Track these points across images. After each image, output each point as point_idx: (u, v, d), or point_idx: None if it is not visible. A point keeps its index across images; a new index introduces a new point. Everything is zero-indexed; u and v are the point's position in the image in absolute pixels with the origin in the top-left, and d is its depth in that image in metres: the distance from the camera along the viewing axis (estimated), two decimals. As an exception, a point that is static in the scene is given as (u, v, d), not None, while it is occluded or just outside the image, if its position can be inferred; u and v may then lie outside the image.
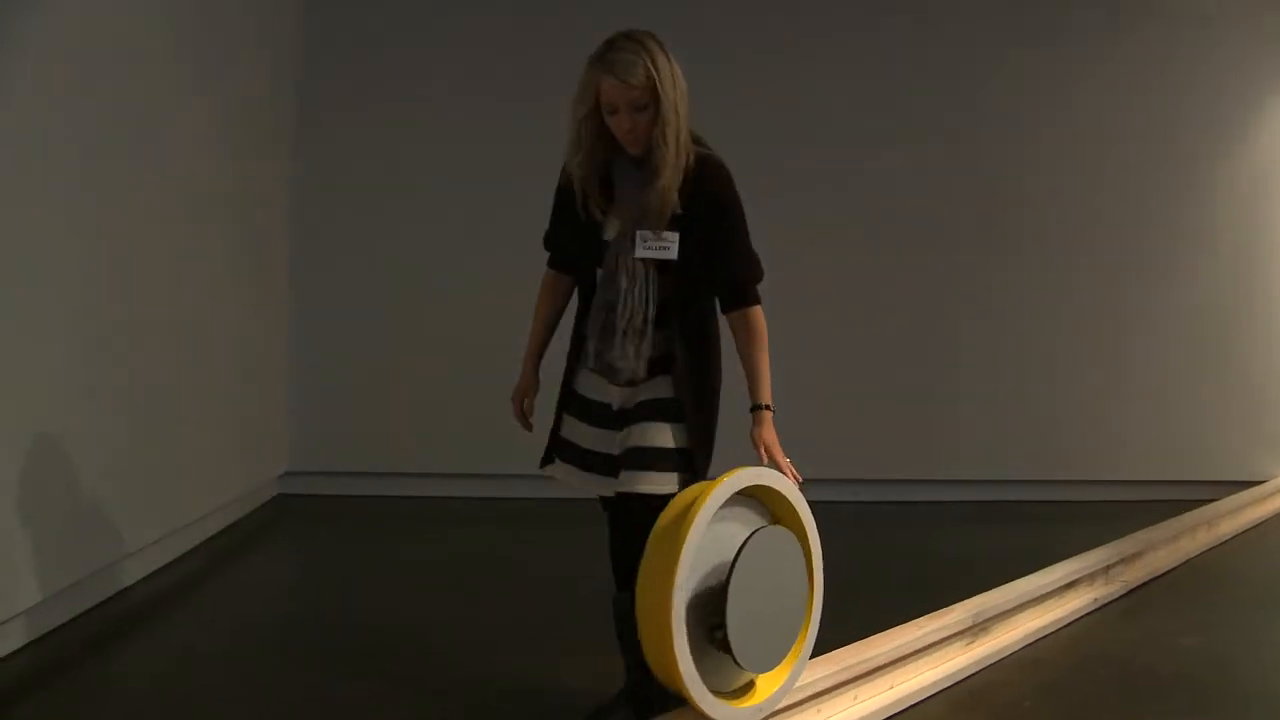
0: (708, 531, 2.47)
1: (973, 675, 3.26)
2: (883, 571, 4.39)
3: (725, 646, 2.46)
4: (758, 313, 2.70)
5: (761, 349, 2.70)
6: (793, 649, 2.65)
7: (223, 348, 4.65)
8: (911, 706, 3.02)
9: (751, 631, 2.50)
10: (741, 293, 2.70)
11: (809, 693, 2.78)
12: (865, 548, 4.72)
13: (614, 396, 2.71)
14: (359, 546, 4.76)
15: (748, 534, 2.52)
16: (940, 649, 3.22)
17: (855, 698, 2.93)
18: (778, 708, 2.67)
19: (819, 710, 2.83)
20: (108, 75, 3.60)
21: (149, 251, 3.95)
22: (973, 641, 3.35)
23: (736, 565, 2.46)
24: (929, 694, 3.09)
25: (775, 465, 2.64)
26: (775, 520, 2.66)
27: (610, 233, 2.65)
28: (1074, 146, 5.63)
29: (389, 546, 4.74)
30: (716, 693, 2.53)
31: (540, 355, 2.88)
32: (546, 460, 2.82)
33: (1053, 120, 5.61)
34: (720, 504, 2.49)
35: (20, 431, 3.22)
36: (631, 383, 2.66)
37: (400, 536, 4.91)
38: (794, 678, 2.68)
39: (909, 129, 5.49)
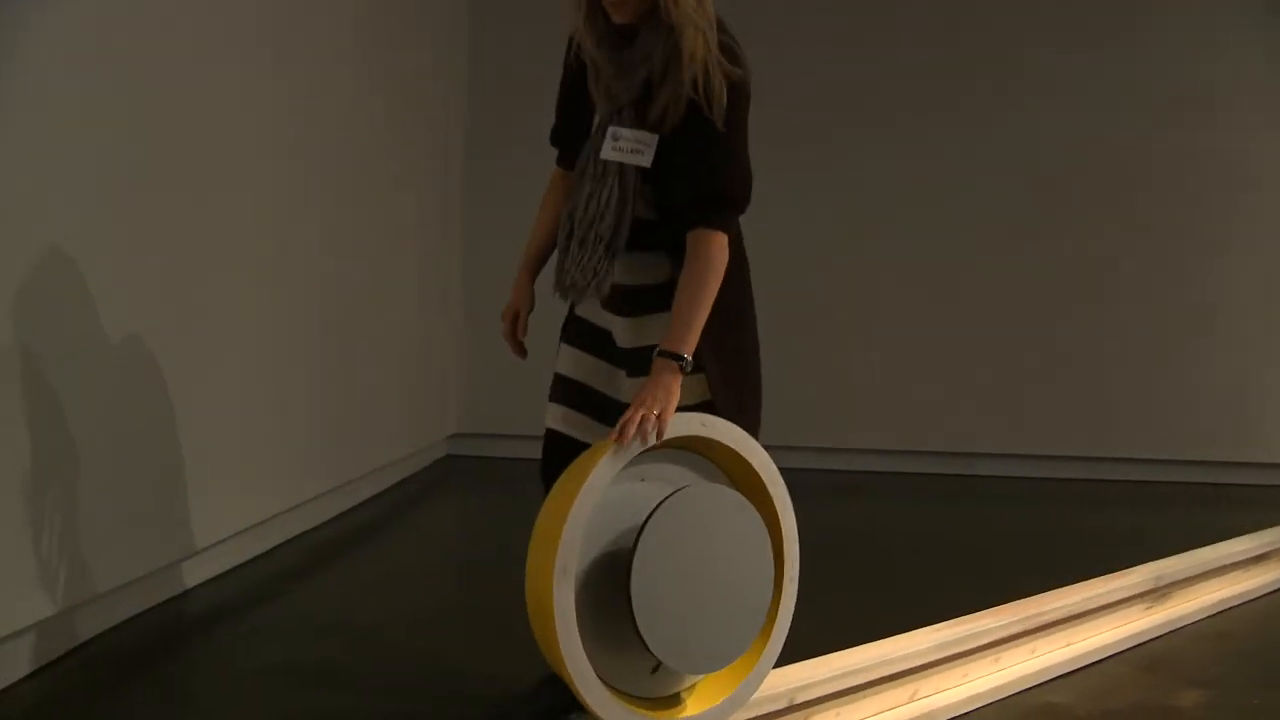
0: (618, 492, 2.06)
1: (1153, 640, 3.16)
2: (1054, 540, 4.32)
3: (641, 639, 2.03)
4: (716, 241, 2.15)
5: (702, 286, 2.13)
6: (753, 646, 2.19)
7: (400, 314, 4.86)
8: (1089, 665, 2.95)
9: (679, 620, 2.05)
10: (703, 207, 2.16)
11: (986, 640, 2.74)
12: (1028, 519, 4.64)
13: (616, 325, 2.30)
14: (523, 505, 4.83)
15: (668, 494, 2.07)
16: (1120, 610, 3.14)
17: (1033, 650, 2.88)
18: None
19: (996, 659, 2.79)
20: (296, 58, 3.79)
21: (330, 220, 4.14)
22: (1153, 606, 3.26)
23: (646, 532, 2.01)
24: (1107, 654, 3.02)
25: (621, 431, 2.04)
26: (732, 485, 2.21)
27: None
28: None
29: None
30: (637, 697, 2.13)
31: (537, 265, 2.42)
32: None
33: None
34: (629, 457, 2.05)
35: (228, 387, 3.42)
36: (627, 312, 2.26)
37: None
38: (751, 684, 2.21)
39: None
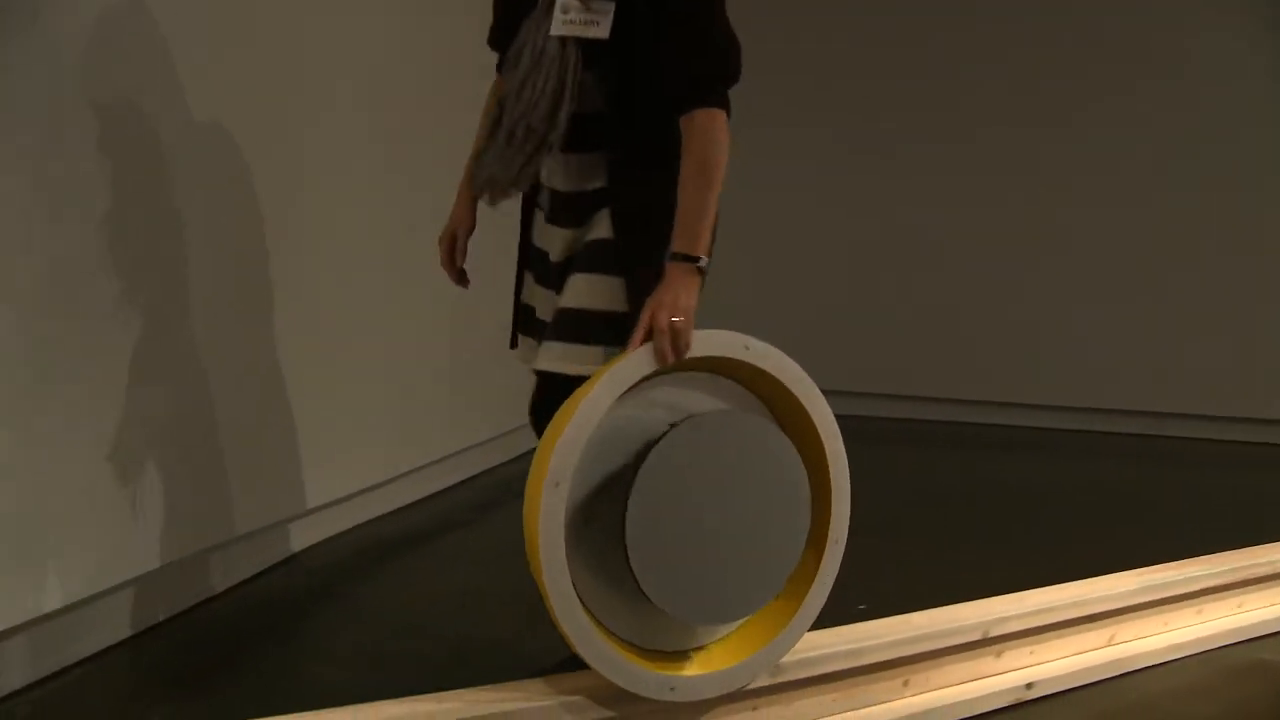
0: (625, 416, 1.84)
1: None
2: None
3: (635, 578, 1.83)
4: (715, 119, 1.87)
5: (713, 173, 1.85)
6: (780, 612, 2.00)
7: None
8: (1301, 624, 2.79)
9: (680, 562, 1.84)
10: (699, 83, 1.87)
11: (1191, 588, 2.61)
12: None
13: (554, 240, 2.03)
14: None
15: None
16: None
17: (1240, 604, 2.73)
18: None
19: (1199, 610, 2.66)
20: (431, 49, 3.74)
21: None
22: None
23: (650, 460, 1.79)
24: (1321, 615, 2.84)
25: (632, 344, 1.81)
26: (775, 419, 1.98)
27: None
28: None
29: None
30: (638, 646, 1.94)
31: None
32: (513, 340, 2.19)
33: None
34: (644, 370, 1.81)
35: (373, 353, 3.44)
36: (569, 223, 1.99)
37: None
38: (770, 654, 1.99)
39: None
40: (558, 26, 1.88)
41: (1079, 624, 2.45)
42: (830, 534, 2.02)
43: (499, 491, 3.85)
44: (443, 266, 2.21)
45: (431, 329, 3.58)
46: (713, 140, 1.86)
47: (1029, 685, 2.34)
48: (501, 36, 2.05)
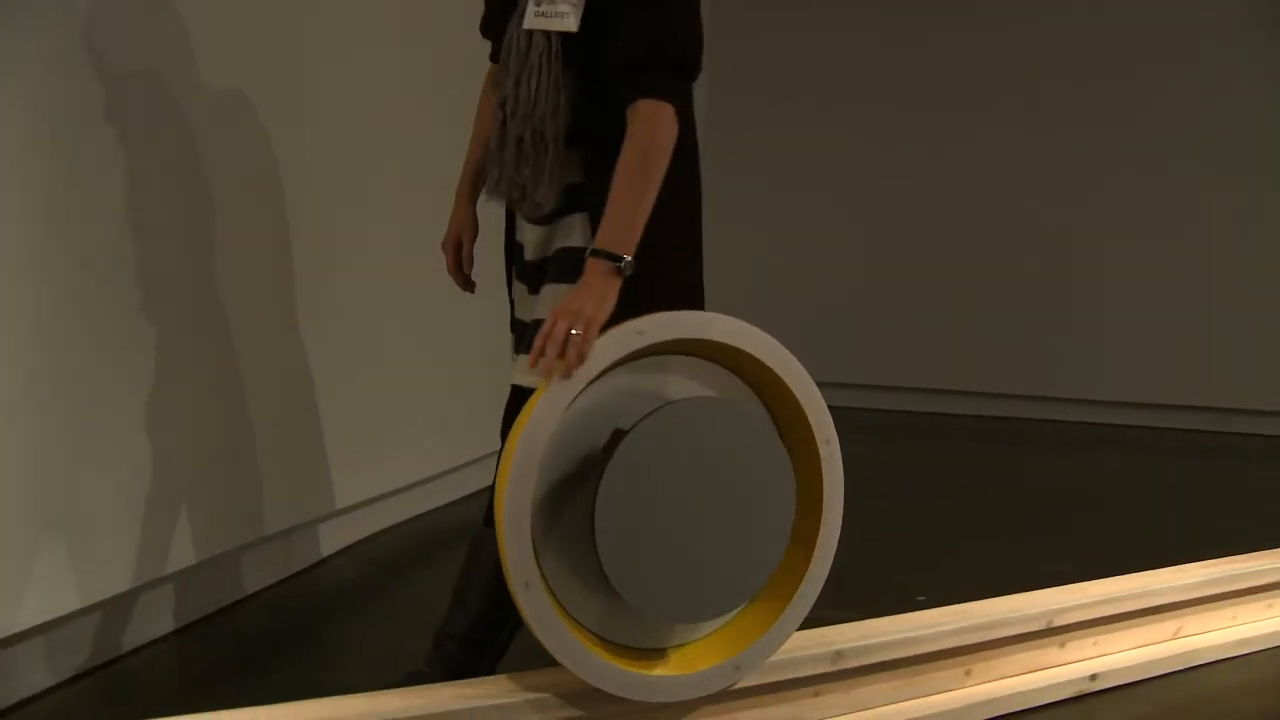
0: (602, 402, 1.76)
1: None
2: None
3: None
4: (663, 114, 1.77)
5: (646, 168, 1.75)
6: (762, 614, 1.91)
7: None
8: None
9: (651, 557, 1.74)
10: (646, 69, 1.78)
11: (1260, 581, 2.56)
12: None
13: (528, 240, 1.96)
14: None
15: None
16: None
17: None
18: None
19: (1269, 604, 2.61)
20: None
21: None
22: None
23: (620, 450, 1.70)
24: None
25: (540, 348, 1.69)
26: (769, 410, 1.90)
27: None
28: None
29: None
30: (614, 643, 1.84)
31: (478, 183, 2.07)
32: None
33: None
34: (614, 358, 1.72)
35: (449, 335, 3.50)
36: (542, 219, 1.91)
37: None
38: (751, 658, 1.89)
39: None
40: (529, 20, 1.85)
41: (1144, 616, 2.41)
42: (822, 530, 1.91)
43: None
44: (449, 273, 2.13)
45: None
46: (654, 133, 1.77)
47: (1093, 677, 2.31)
48: (493, 24, 2.00)
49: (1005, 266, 5.19)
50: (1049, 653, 2.29)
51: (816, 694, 2.04)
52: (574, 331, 1.68)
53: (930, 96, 5.23)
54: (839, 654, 2.02)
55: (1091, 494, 3.99)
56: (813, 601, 1.93)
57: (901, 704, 2.12)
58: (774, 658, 1.94)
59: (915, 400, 5.34)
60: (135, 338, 2.37)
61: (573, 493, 1.77)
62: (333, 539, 3.13)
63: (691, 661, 1.87)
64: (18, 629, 2.13)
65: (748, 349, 1.81)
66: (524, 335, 1.96)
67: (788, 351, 1.84)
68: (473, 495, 3.62)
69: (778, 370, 1.83)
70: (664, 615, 1.82)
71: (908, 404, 5.34)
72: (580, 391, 1.73)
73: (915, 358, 5.29)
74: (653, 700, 1.83)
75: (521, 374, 1.89)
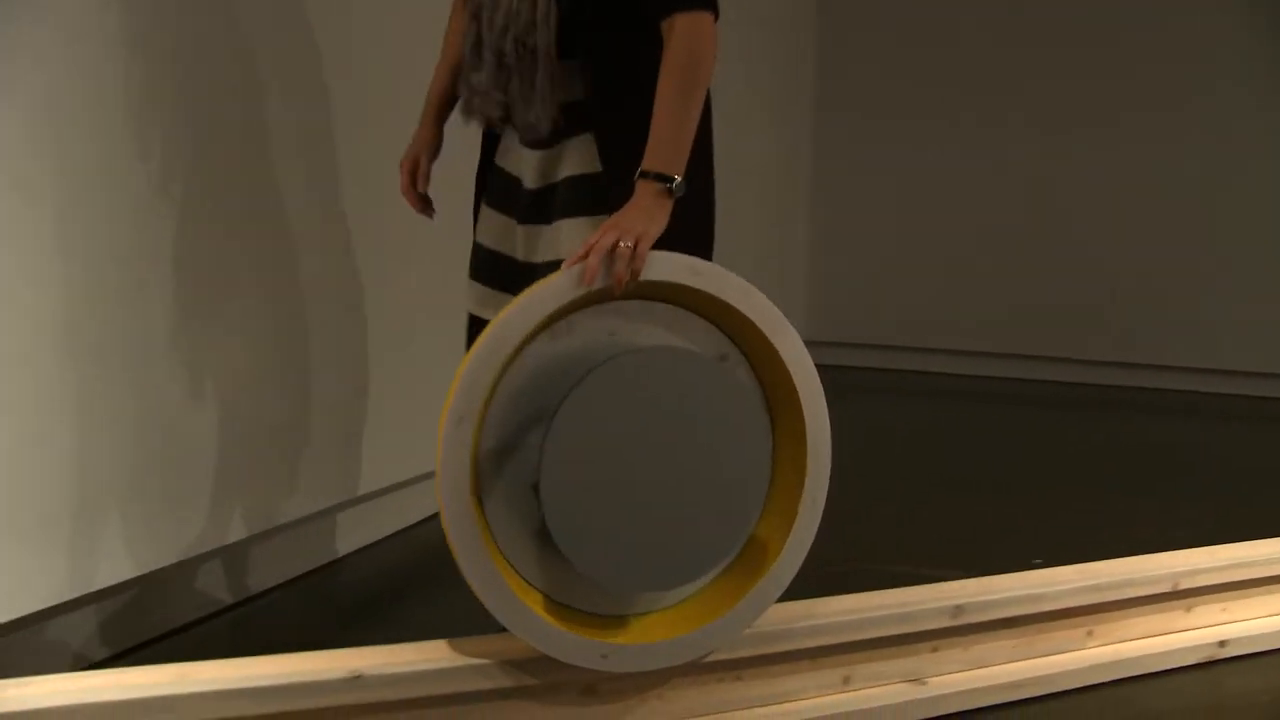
0: (572, 349, 1.65)
1: None
2: None
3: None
4: (700, 24, 1.64)
5: (692, 86, 1.64)
6: (734, 583, 1.80)
7: (745, 223, 4.92)
8: None
9: (611, 523, 1.62)
10: None
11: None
12: None
13: (526, 168, 1.81)
14: (870, 415, 4.75)
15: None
16: None
17: None
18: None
19: None
20: None
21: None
22: None
23: (571, 400, 1.57)
24: None
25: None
26: (755, 371, 1.78)
27: None
28: None
29: (903, 420, 4.75)
30: (570, 607, 1.74)
31: (445, 103, 1.92)
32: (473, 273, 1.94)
33: None
34: (559, 301, 1.60)
35: None
36: (541, 142, 1.76)
37: (915, 412, 4.91)
38: (735, 623, 1.78)
39: None
40: None
41: (1276, 584, 2.36)
42: (804, 495, 1.79)
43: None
44: (402, 193, 1.95)
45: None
46: (697, 48, 1.64)
47: (1222, 643, 2.27)
48: None
49: (1133, 232, 5.06)
50: (1174, 616, 2.26)
51: (935, 649, 2.06)
52: (623, 244, 1.59)
53: (1046, 65, 5.13)
54: (959, 609, 2.03)
55: (1191, 461, 3.91)
56: (790, 577, 1.81)
57: (1021, 663, 2.12)
58: (892, 611, 1.98)
59: (1041, 369, 5.26)
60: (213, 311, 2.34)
61: (526, 449, 1.67)
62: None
63: (650, 631, 1.76)
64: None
65: (730, 301, 1.69)
66: (516, 277, 1.81)
67: (777, 311, 1.73)
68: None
69: (764, 329, 1.73)
70: (619, 584, 1.69)
71: (1035, 372, 5.26)
72: (535, 331, 1.63)
73: (1037, 325, 5.22)
74: (606, 670, 1.73)
75: (478, 304, 1.85)
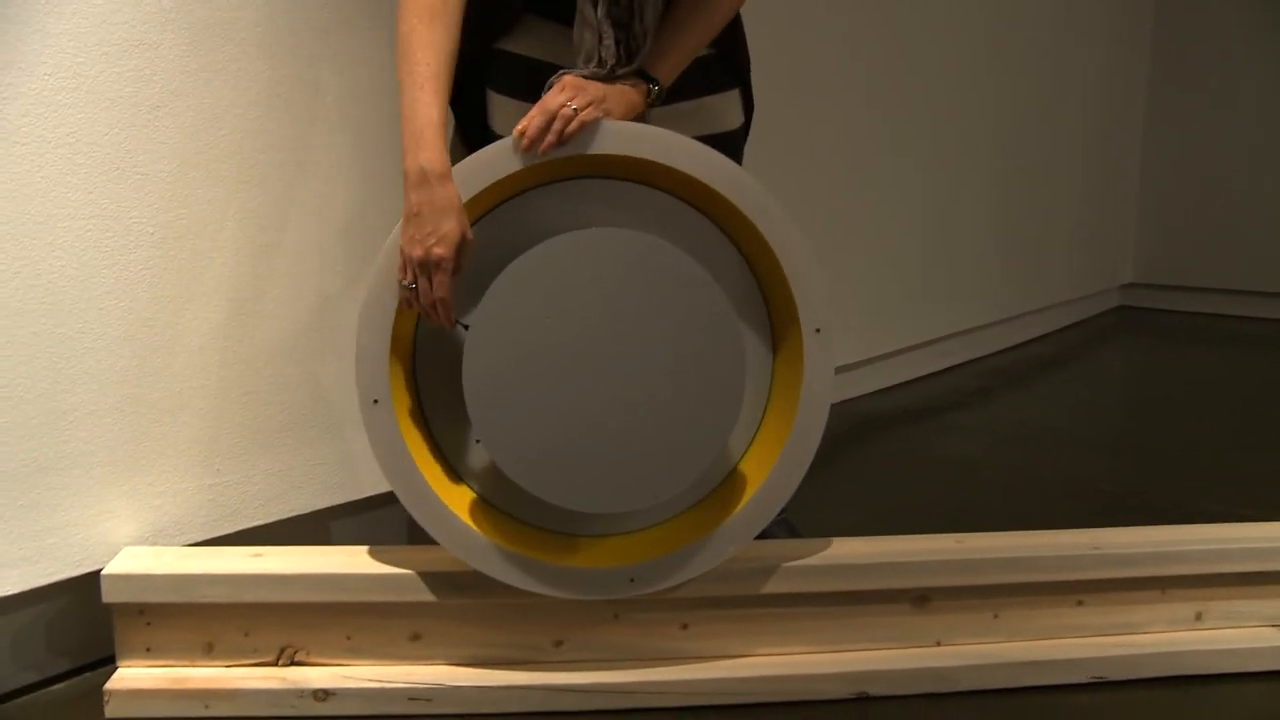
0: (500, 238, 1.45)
1: None
2: None
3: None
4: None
5: (710, 29, 1.61)
6: (708, 510, 1.57)
7: (1074, 167, 4.69)
8: None
9: (547, 430, 1.39)
10: None
11: None
12: None
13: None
14: (1197, 359, 4.43)
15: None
16: None
17: None
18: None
19: None
20: None
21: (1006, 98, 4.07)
22: None
23: (498, 283, 1.37)
24: None
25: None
26: (760, 287, 1.56)
27: None
28: None
29: (1216, 366, 4.35)
30: (521, 521, 1.55)
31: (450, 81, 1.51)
32: None
33: None
34: (494, 173, 1.42)
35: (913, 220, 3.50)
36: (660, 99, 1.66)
37: (1236, 359, 4.48)
38: (693, 561, 1.52)
39: None
40: None
41: None
42: (794, 432, 1.53)
43: (990, 379, 3.81)
44: (435, 323, 1.57)
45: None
46: (731, 11, 1.63)
47: None
48: None
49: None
50: None
51: (1080, 603, 1.78)
52: (568, 106, 1.45)
53: None
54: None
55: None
56: (769, 516, 1.56)
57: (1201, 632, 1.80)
58: (1253, 544, 1.78)
59: None
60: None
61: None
62: (876, 376, 3.35)
63: (598, 557, 1.55)
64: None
65: (722, 190, 1.48)
66: None
67: (788, 219, 1.50)
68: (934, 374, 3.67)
69: (767, 236, 1.50)
70: (559, 499, 1.45)
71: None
72: (483, 213, 1.48)
73: None
74: (540, 592, 1.52)
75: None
